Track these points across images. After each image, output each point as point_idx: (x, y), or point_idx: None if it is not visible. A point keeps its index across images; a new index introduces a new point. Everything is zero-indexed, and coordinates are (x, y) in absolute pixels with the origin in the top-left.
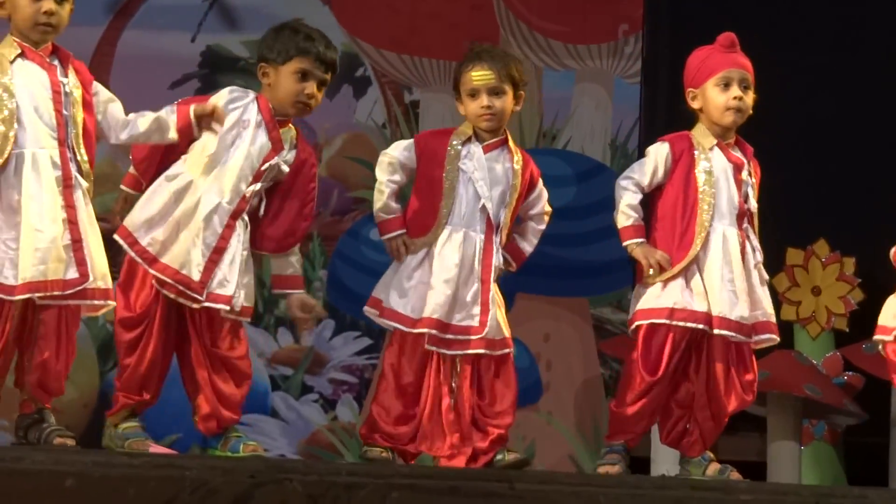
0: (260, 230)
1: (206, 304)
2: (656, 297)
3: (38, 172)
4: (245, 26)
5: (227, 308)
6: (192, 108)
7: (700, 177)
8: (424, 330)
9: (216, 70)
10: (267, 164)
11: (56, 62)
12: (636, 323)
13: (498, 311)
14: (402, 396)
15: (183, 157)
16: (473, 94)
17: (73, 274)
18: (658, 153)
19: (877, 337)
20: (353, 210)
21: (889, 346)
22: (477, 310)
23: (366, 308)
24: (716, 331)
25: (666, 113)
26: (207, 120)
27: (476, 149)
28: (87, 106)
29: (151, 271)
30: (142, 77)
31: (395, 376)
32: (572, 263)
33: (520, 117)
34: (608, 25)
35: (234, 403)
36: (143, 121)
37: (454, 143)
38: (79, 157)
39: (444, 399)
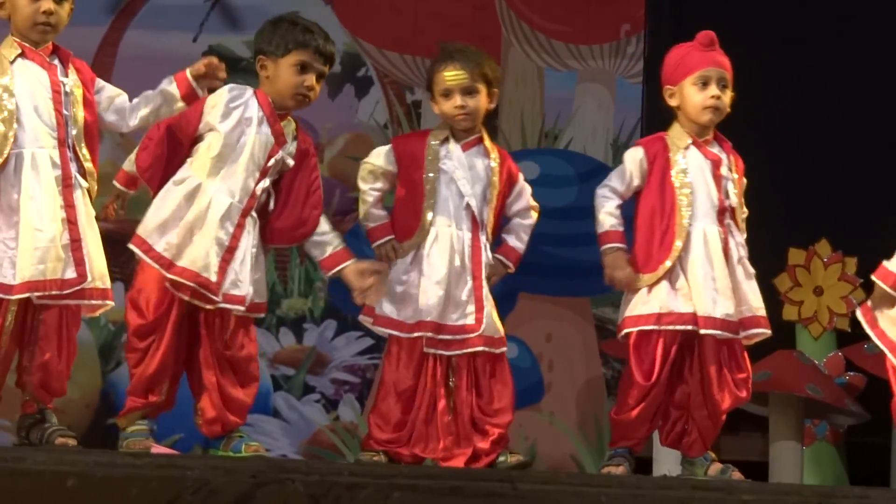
0: (270, 224)
1: (223, 305)
2: (644, 303)
3: (37, 172)
4: (247, 26)
5: (242, 308)
6: (187, 71)
7: (676, 177)
8: (421, 334)
9: None
10: (273, 159)
11: (56, 62)
12: (625, 330)
13: (492, 310)
14: (400, 402)
15: (188, 160)
16: (447, 94)
17: (71, 274)
18: (632, 158)
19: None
20: (355, 210)
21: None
22: (472, 308)
23: (360, 316)
24: (702, 330)
25: (668, 113)
26: (207, 79)
27: (455, 148)
28: (89, 105)
29: (169, 276)
30: (144, 77)
31: (394, 383)
32: (574, 263)
33: (522, 117)
34: (610, 25)
35: (242, 408)
36: (147, 99)
37: (432, 143)
38: (81, 157)
39: (439, 401)
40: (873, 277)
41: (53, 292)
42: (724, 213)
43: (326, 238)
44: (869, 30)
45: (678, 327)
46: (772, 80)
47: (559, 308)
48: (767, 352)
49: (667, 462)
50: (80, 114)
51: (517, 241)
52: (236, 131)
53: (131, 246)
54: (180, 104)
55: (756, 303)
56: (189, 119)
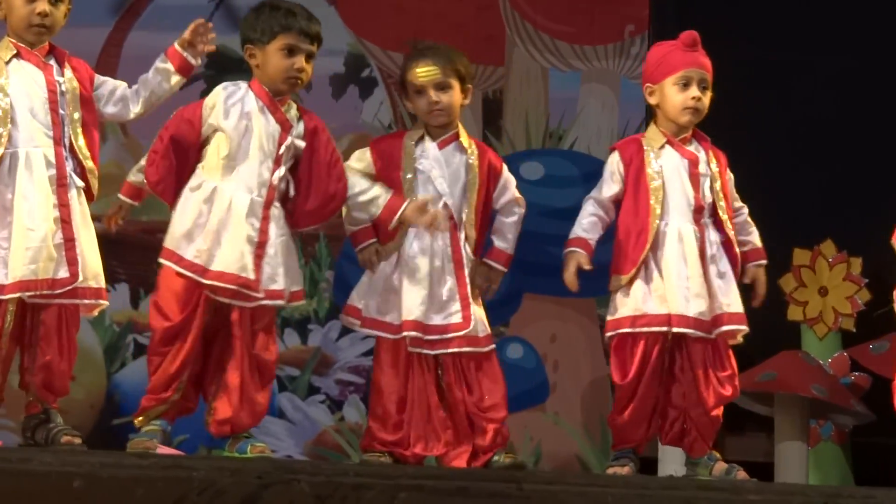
0: (297, 209)
1: (264, 301)
2: (622, 306)
3: (31, 171)
4: None
5: (283, 302)
6: (175, 44)
7: (651, 177)
8: (406, 334)
9: (222, 71)
10: (283, 146)
11: (52, 62)
12: (607, 335)
13: (479, 308)
14: (394, 403)
15: (199, 165)
16: (420, 91)
17: (63, 273)
18: (610, 163)
19: None
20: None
21: None
22: (457, 306)
23: (343, 316)
24: (675, 329)
25: None
26: (196, 47)
27: (431, 146)
28: (86, 103)
29: (206, 282)
30: None
31: (385, 385)
32: None
33: (526, 118)
34: (614, 26)
35: (261, 412)
36: (145, 81)
37: (408, 143)
38: (80, 156)
39: (431, 398)
40: None
41: (45, 292)
42: (700, 211)
43: (372, 193)
44: (873, 29)
45: (653, 329)
46: (776, 81)
47: (564, 308)
48: (772, 352)
49: (672, 462)
50: (78, 113)
51: (503, 243)
52: (240, 127)
53: (162, 260)
54: (176, 77)
55: (726, 299)
56: (190, 125)
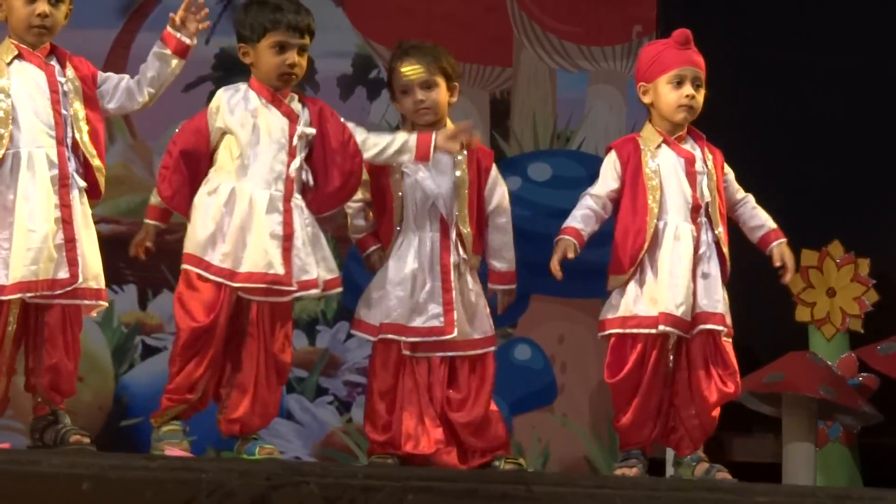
0: (318, 194)
1: (299, 293)
2: (615, 307)
3: (33, 172)
4: None
5: (318, 291)
6: (168, 28)
7: (648, 176)
8: (383, 335)
9: (230, 72)
10: (295, 137)
11: (54, 62)
12: (599, 334)
13: (479, 309)
14: (384, 403)
15: (212, 169)
16: (406, 90)
17: (63, 274)
18: (607, 162)
19: None
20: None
21: None
22: (438, 310)
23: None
24: (660, 327)
25: None
26: (189, 27)
27: None
28: (90, 101)
29: (235, 284)
30: None
31: (376, 385)
32: (587, 265)
33: (534, 119)
34: (622, 27)
35: (270, 413)
36: (146, 70)
37: None
38: (87, 155)
39: (422, 397)
40: None
41: (45, 293)
42: (698, 210)
43: (397, 144)
44: (880, 29)
45: (642, 330)
46: (784, 81)
47: (571, 309)
48: (780, 353)
49: None
50: (81, 112)
51: (501, 263)
52: (248, 124)
53: (187, 266)
54: (175, 60)
55: (704, 300)
56: (199, 134)
